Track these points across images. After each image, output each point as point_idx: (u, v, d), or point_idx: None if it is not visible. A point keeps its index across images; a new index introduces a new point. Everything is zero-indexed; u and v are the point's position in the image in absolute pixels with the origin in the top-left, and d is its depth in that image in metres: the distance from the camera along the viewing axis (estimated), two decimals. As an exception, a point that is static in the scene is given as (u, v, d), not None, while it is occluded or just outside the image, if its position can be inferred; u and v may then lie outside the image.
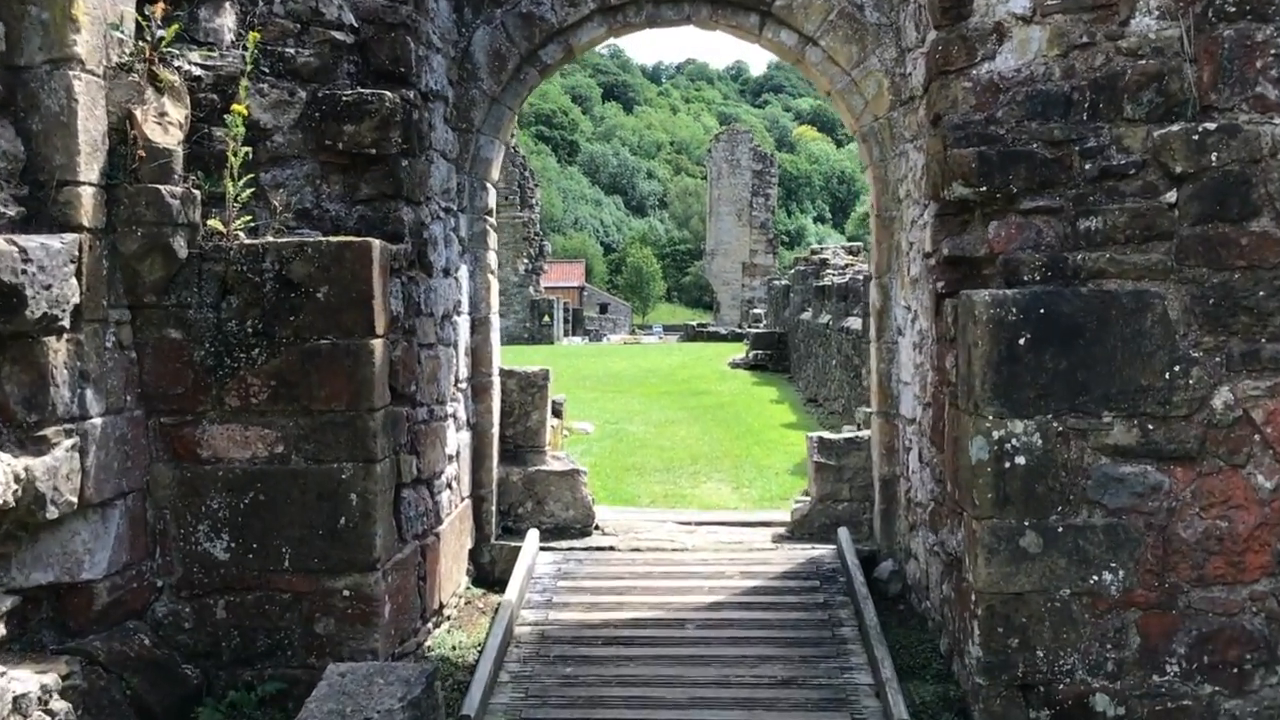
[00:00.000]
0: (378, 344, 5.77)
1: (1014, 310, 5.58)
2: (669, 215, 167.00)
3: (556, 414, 17.00)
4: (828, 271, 22.93)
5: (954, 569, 6.24)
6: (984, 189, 5.93)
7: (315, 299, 5.67)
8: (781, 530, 8.57)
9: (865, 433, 8.95)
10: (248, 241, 5.73)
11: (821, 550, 8.08)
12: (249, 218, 5.91)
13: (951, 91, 6.11)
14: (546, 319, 40.22)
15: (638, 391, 23.01)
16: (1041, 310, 5.53)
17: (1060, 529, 5.55)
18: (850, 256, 24.46)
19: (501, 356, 10.94)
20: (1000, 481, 5.60)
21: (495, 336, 8.69)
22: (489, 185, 8.24)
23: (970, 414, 5.71)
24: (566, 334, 42.22)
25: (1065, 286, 5.65)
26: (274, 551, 5.68)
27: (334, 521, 5.66)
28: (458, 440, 7.67)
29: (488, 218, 8.30)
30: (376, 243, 5.78)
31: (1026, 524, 5.56)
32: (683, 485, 12.94)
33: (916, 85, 7.33)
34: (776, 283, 30.51)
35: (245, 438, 5.66)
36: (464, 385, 7.98)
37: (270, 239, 5.81)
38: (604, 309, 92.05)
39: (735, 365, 26.45)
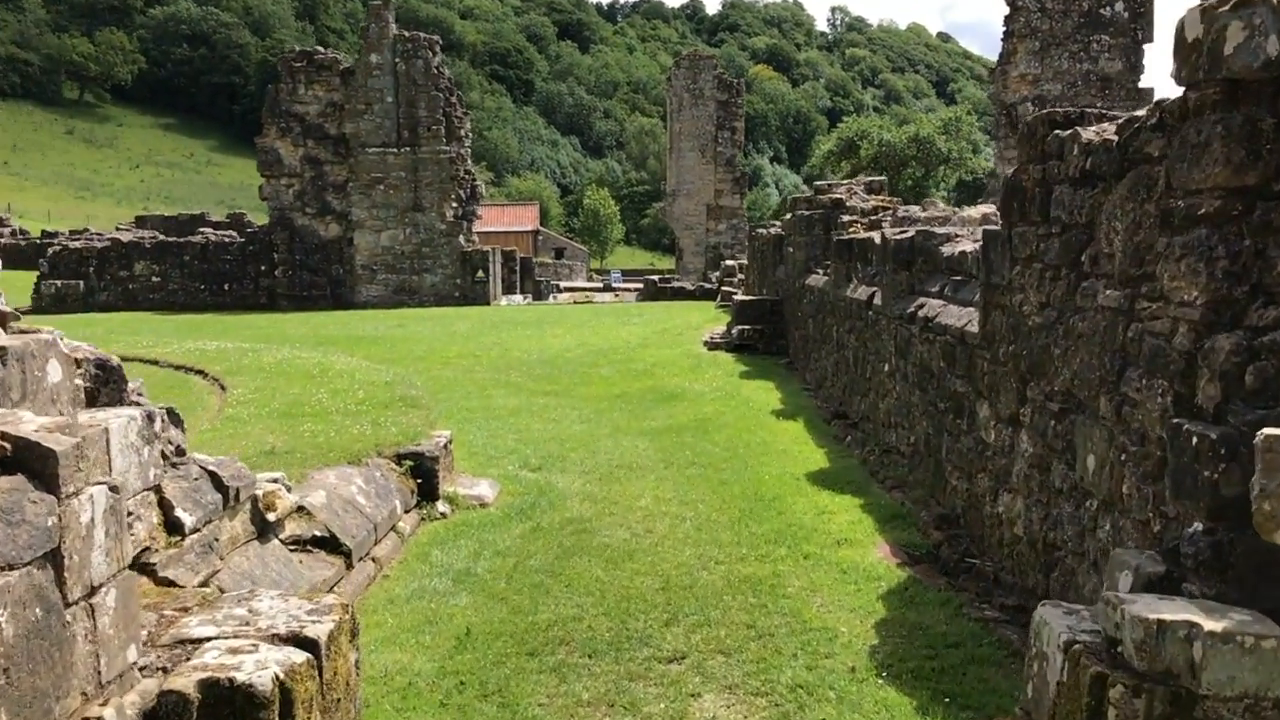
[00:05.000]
0: None
1: None
2: (626, 156, 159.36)
3: (426, 482, 9.46)
4: (848, 218, 15.42)
5: None
6: None
7: None
8: None
9: None
10: None
11: None
12: None
13: None
14: (480, 275, 32.38)
15: (581, 393, 15.47)
16: None
17: None
18: (874, 196, 16.90)
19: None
20: None
21: None
22: None
23: None
24: (506, 292, 34.44)
25: None
26: None
27: None
28: None
29: None
30: None
31: None
32: (649, 705, 5.51)
33: None
34: (763, 231, 22.91)
35: None
36: None
37: None
38: (559, 254, 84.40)
39: (714, 345, 18.94)
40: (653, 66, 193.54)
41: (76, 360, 5.67)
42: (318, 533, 7.23)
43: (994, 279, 7.63)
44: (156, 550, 5.51)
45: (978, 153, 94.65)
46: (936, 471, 9.17)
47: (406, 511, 8.80)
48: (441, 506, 9.17)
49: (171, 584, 5.40)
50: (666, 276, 38.01)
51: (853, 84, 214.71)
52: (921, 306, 9.83)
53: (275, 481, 7.08)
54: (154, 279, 31.88)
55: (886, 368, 11.10)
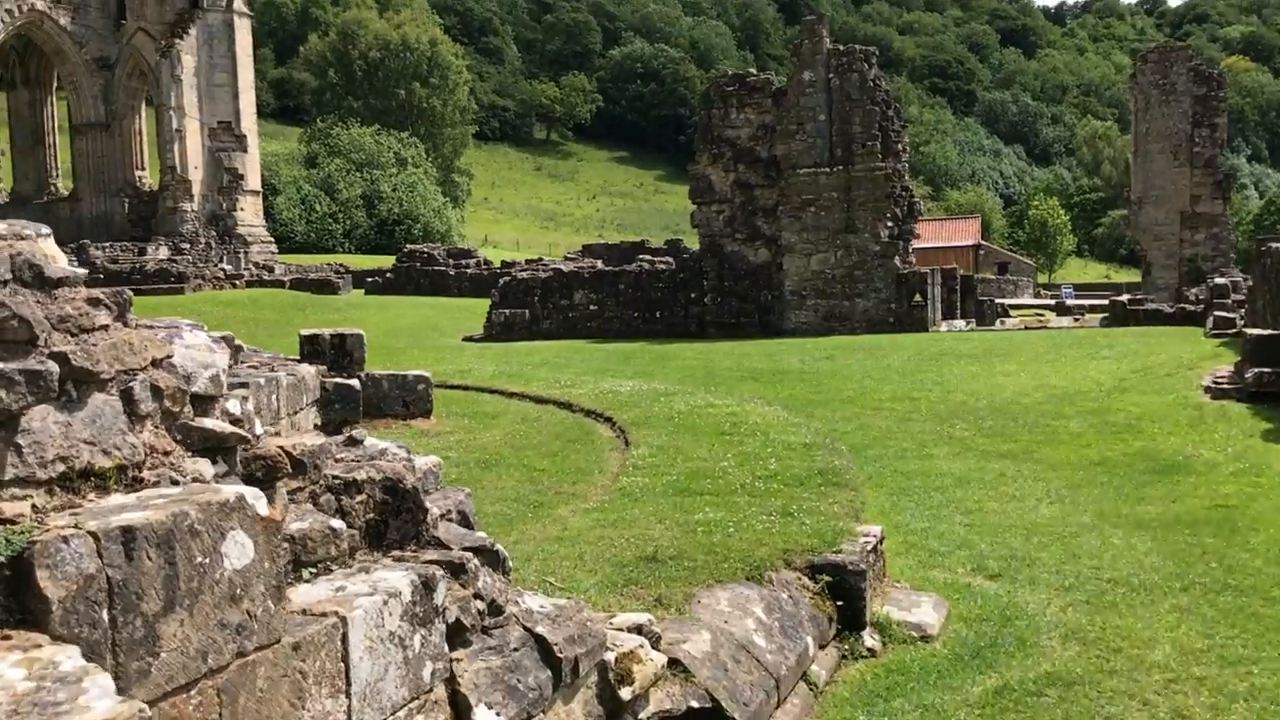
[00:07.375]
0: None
1: None
2: (1076, 162, 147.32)
3: (848, 604, 7.03)
4: None
5: None
6: None
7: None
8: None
9: None
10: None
11: None
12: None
13: None
14: (917, 298, 29.47)
15: (1046, 456, 12.36)
16: None
17: None
18: None
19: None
20: None
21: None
22: None
23: None
24: (945, 315, 31.25)
25: None
26: None
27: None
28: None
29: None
30: None
31: None
32: None
33: None
34: (1277, 245, 18.18)
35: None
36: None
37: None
38: (1003, 269, 78.64)
39: (1218, 391, 14.86)
40: (1105, 67, 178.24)
41: (349, 485, 3.98)
42: (695, 703, 5.15)
43: None
44: (438, 781, 3.66)
45: None
46: None
47: (822, 647, 6.52)
48: (868, 639, 6.79)
49: (452, 843, 3.52)
50: (1137, 297, 32.76)
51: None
52: None
53: (639, 630, 5.10)
54: (591, 307, 32.25)
55: None
